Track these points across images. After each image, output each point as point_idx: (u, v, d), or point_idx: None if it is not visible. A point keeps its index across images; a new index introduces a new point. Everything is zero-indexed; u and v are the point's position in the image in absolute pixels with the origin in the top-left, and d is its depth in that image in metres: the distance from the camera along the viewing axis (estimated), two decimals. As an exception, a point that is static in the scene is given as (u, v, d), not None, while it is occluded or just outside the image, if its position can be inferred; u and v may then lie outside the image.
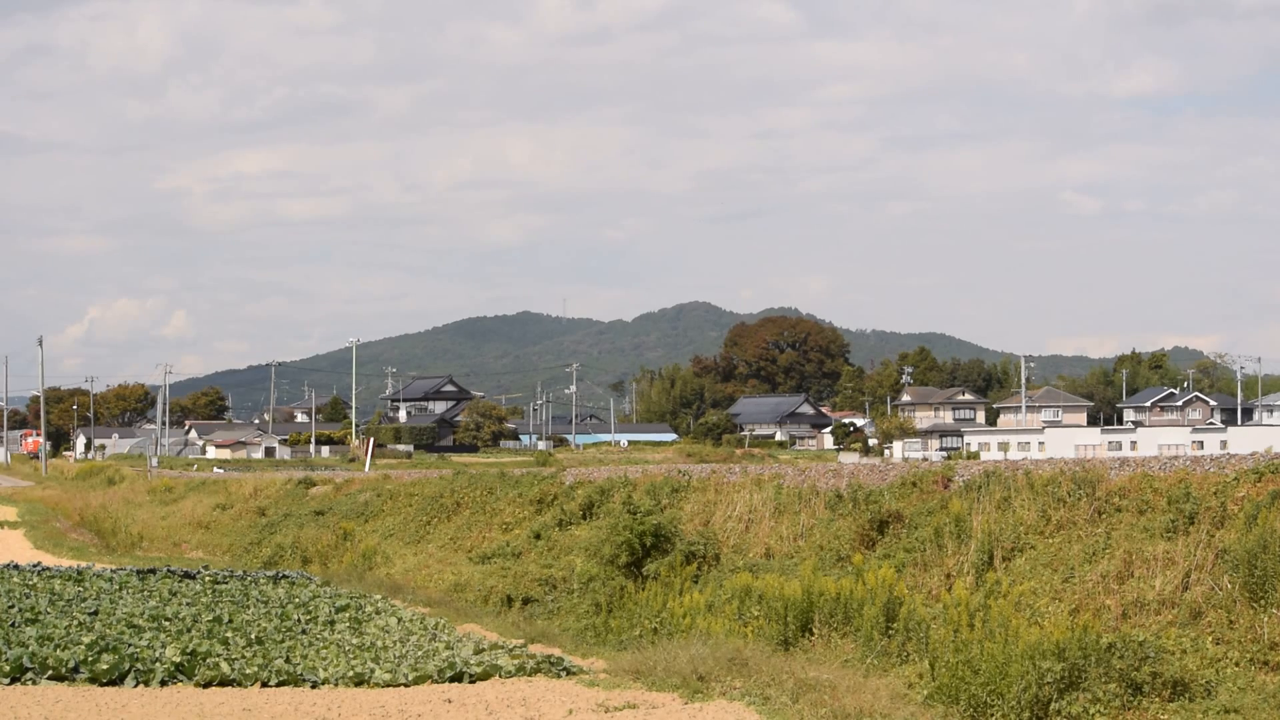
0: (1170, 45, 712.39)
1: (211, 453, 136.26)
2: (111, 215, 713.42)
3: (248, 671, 17.39)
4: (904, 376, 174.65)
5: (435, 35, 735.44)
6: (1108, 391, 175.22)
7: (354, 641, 20.38)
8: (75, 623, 21.15)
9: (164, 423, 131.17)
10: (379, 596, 26.70)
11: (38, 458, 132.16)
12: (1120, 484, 22.26)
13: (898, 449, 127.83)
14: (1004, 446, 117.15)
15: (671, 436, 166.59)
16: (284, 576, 30.52)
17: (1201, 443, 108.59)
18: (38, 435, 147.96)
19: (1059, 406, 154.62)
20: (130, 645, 18.72)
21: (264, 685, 17.10)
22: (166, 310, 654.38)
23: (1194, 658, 17.47)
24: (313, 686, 17.09)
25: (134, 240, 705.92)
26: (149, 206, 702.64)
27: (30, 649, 18.14)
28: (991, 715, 16.98)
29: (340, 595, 26.59)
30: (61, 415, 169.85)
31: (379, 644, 20.05)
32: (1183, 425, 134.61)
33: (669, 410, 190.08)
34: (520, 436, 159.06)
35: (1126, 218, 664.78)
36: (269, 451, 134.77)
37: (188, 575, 30.00)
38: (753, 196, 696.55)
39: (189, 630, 20.91)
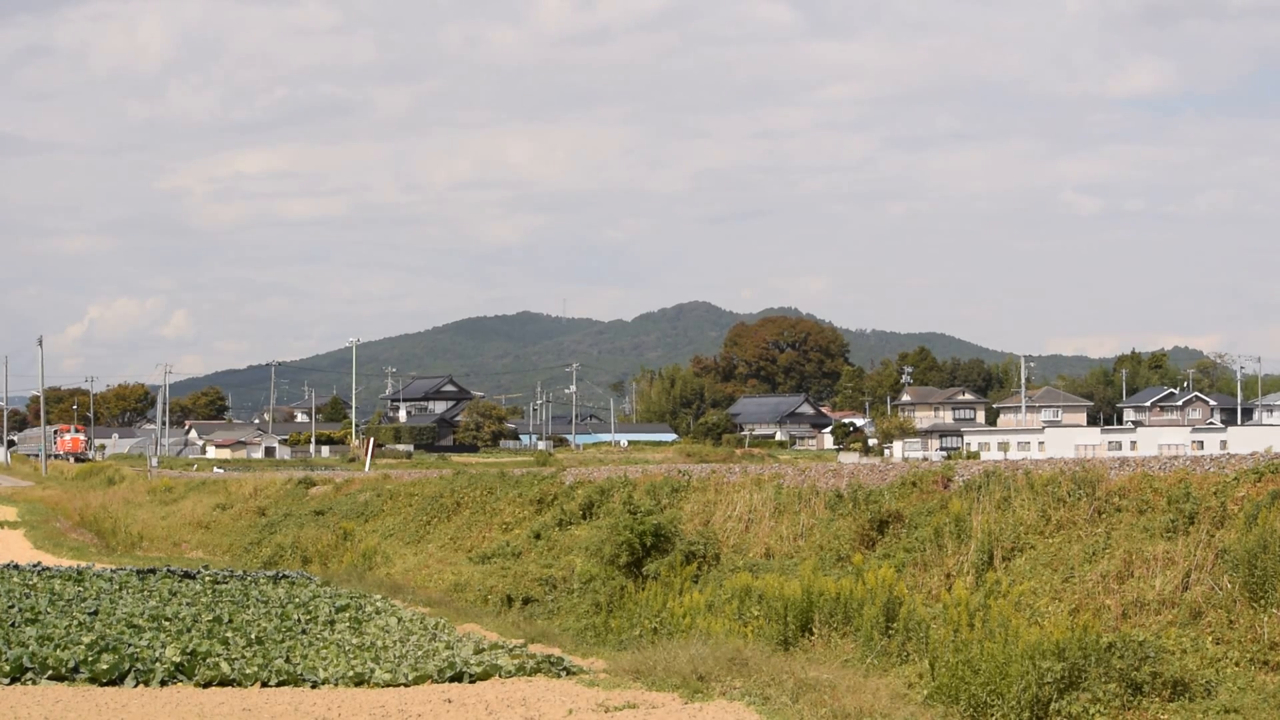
0: (1165, 45, 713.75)
1: (211, 452, 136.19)
2: (111, 215, 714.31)
3: (248, 671, 17.38)
4: (904, 376, 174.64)
5: (435, 35, 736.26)
6: (1108, 391, 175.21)
7: (354, 641, 20.37)
8: (75, 623, 21.14)
9: (164, 423, 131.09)
10: (379, 596, 26.69)
11: (81, 458, 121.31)
12: (1120, 484, 22.26)
13: (898, 449, 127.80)
14: (1004, 446, 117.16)
15: (671, 436, 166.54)
16: (284, 576, 30.51)
17: (1201, 443, 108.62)
18: (77, 431, 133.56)
19: (1059, 406, 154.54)
20: (130, 645, 18.71)
21: (264, 685, 17.10)
22: (166, 310, 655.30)
23: (1194, 658, 17.47)
24: (313, 686, 17.09)
25: (134, 240, 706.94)
26: (149, 206, 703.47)
27: (30, 649, 18.14)
28: (991, 715, 16.98)
29: (340, 595, 26.58)
30: (61, 415, 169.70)
31: (379, 644, 20.04)
32: (1183, 425, 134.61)
33: (669, 410, 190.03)
34: (520, 436, 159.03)
35: (1126, 218, 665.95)
36: (269, 451, 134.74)
37: (188, 575, 29.99)
38: (753, 196, 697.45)
39: (189, 630, 20.90)
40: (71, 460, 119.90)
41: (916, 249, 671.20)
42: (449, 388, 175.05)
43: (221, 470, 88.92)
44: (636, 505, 29.61)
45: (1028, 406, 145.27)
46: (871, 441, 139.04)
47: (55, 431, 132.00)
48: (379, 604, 25.14)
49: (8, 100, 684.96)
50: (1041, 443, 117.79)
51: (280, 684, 17.14)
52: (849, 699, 15.73)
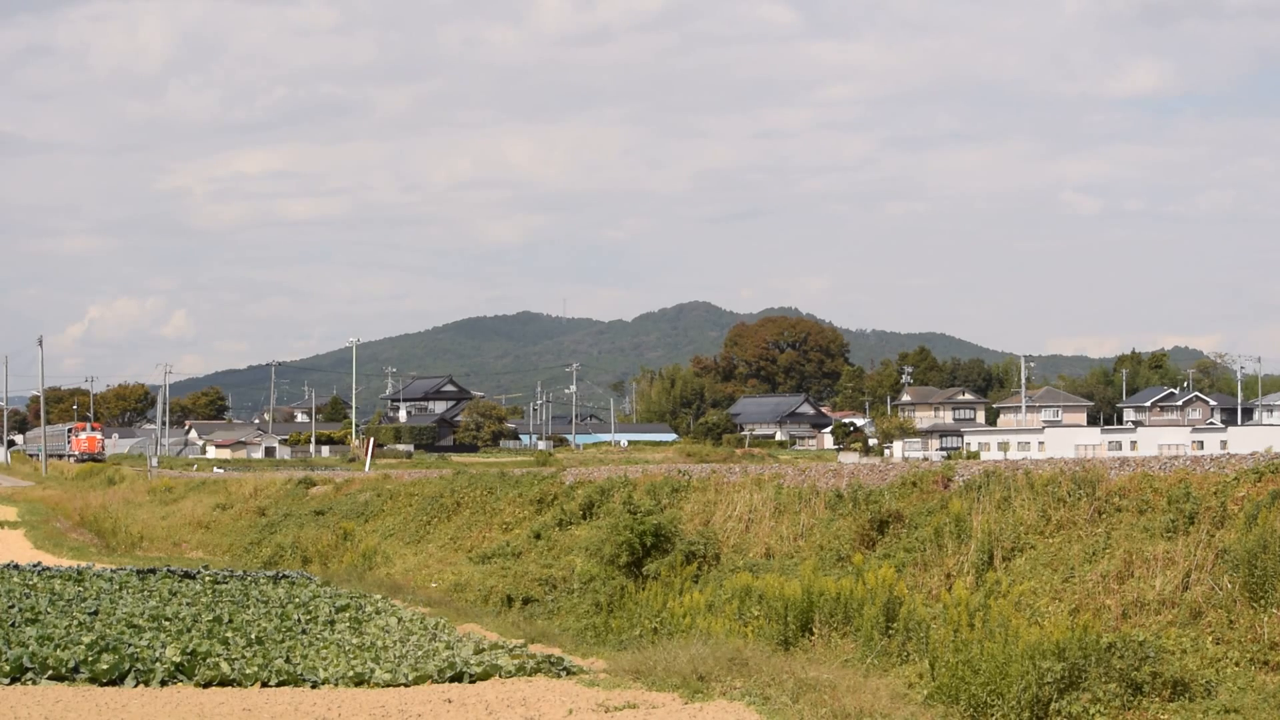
0: (1163, 45, 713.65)
1: (211, 452, 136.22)
2: (111, 215, 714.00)
3: (248, 671, 17.38)
4: (904, 376, 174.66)
5: (435, 36, 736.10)
6: (1108, 391, 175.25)
7: (354, 641, 20.37)
8: (75, 623, 21.14)
9: (164, 423, 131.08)
10: (379, 596, 26.69)
11: (97, 459, 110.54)
12: (1120, 484, 22.27)
13: (898, 449, 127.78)
14: (1004, 446, 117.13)
15: (671, 436, 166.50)
16: (284, 576, 30.51)
17: (1201, 443, 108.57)
18: (93, 430, 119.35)
19: (1059, 406, 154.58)
20: (130, 645, 18.71)
21: (264, 685, 17.10)
22: (166, 310, 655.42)
23: (1194, 658, 17.48)
24: (313, 686, 17.09)
25: (134, 240, 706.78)
26: (149, 206, 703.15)
27: (30, 649, 18.13)
28: (991, 715, 16.98)
29: (340, 595, 26.59)
30: (62, 415, 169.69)
31: (379, 644, 20.05)
32: (1183, 425, 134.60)
33: (669, 410, 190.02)
34: (520, 436, 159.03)
35: (1126, 218, 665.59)
36: (269, 451, 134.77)
37: (188, 575, 29.99)
38: (753, 196, 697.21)
39: (189, 630, 20.90)
40: (73, 460, 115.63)
41: (916, 249, 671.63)
42: (449, 388, 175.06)
43: (221, 470, 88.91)
44: (636, 505, 29.62)
45: (1028, 406, 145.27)
46: (871, 441, 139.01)
47: (69, 430, 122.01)
48: (379, 604, 25.15)
49: (8, 100, 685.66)
50: (1041, 443, 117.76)
51: (280, 684, 17.14)
52: (849, 699, 15.73)
